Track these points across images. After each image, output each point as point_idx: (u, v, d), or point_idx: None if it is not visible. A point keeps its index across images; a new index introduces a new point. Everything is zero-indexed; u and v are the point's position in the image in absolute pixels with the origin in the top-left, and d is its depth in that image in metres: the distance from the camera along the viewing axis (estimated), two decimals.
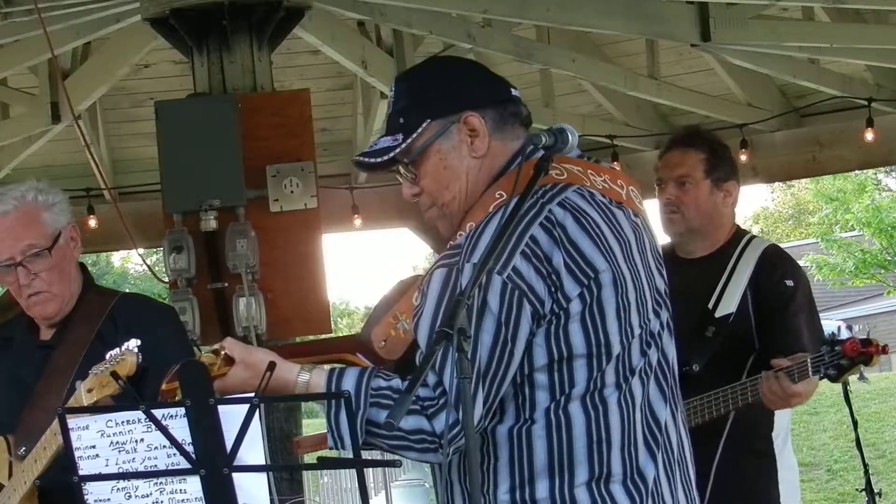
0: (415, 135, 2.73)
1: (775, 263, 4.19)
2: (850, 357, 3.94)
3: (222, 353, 2.70)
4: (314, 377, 2.65)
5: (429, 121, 2.73)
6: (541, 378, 2.62)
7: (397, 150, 2.74)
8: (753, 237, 4.28)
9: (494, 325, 2.56)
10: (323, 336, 5.49)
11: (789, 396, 3.98)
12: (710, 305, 4.14)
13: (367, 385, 2.59)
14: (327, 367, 2.71)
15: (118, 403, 3.17)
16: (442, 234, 2.83)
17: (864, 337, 4.00)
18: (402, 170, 2.79)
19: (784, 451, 4.23)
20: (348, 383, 2.60)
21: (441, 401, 2.54)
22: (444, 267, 2.64)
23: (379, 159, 2.76)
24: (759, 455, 4.17)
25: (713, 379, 4.07)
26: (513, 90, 2.81)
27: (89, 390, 3.17)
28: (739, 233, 4.28)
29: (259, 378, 2.63)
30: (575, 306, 2.60)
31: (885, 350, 3.99)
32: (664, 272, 2.82)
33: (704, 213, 4.19)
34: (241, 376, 2.68)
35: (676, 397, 2.79)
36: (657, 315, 2.74)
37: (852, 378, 4.16)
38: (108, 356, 3.19)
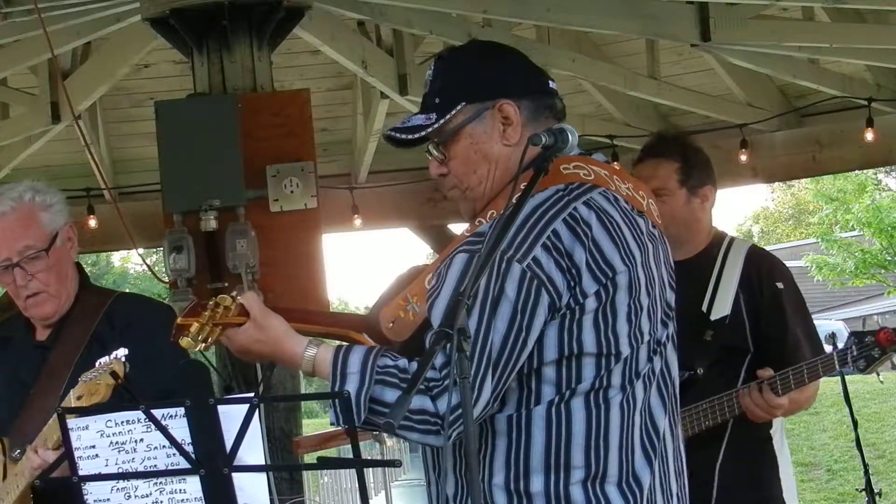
0: (448, 116, 2.75)
1: (762, 265, 4.16)
2: (884, 347, 3.96)
3: (238, 300, 2.71)
4: (321, 353, 2.66)
5: (463, 103, 2.75)
6: (548, 372, 2.63)
7: (429, 130, 2.75)
8: (733, 238, 4.24)
9: (510, 312, 2.57)
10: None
11: (772, 409, 3.98)
12: (704, 308, 4.12)
13: (374, 363, 2.60)
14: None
15: (118, 403, 3.17)
16: (461, 213, 2.84)
17: (893, 327, 4.04)
18: (431, 149, 2.80)
19: (783, 449, 4.23)
20: (355, 360, 2.61)
21: (447, 382, 2.53)
22: (466, 252, 2.64)
23: (410, 136, 2.78)
24: (761, 455, 4.16)
25: (712, 383, 4.05)
26: (550, 82, 2.82)
27: (79, 397, 3.16)
28: (719, 234, 4.23)
29: (267, 343, 2.67)
30: (591, 303, 2.61)
31: None
32: (675, 287, 2.84)
33: (681, 222, 4.12)
34: (251, 335, 2.70)
35: (676, 411, 2.80)
36: (665, 326, 2.77)
37: (856, 377, 4.18)
38: (97, 364, 3.18)
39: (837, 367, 3.97)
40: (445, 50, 2.96)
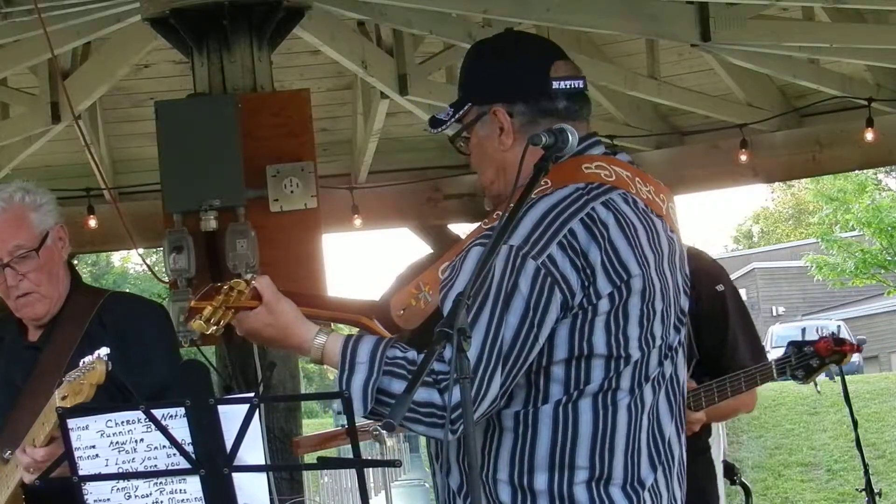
0: (458, 115, 2.79)
1: (699, 269, 4.06)
2: (823, 356, 3.93)
3: (252, 283, 2.70)
4: (330, 341, 2.66)
5: (470, 104, 2.78)
6: (557, 371, 2.63)
7: (444, 126, 2.82)
8: None
9: (523, 308, 2.56)
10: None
11: (689, 424, 3.88)
12: None
13: (383, 353, 2.59)
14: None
15: (119, 403, 3.17)
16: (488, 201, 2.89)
17: (837, 336, 4.01)
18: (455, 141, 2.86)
19: (717, 459, 4.22)
20: (364, 350, 2.60)
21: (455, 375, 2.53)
22: (481, 246, 2.64)
23: (432, 130, 2.85)
24: (700, 465, 4.12)
25: None
26: (554, 83, 2.72)
27: (63, 397, 3.16)
28: None
29: (277, 328, 2.66)
30: (604, 304, 2.61)
31: (858, 348, 3.99)
32: (689, 293, 2.84)
33: None
34: (262, 319, 2.69)
35: (682, 418, 2.80)
36: (677, 331, 2.76)
37: (856, 377, 4.16)
38: (81, 363, 3.18)
39: (776, 376, 3.94)
40: (479, 41, 2.97)
